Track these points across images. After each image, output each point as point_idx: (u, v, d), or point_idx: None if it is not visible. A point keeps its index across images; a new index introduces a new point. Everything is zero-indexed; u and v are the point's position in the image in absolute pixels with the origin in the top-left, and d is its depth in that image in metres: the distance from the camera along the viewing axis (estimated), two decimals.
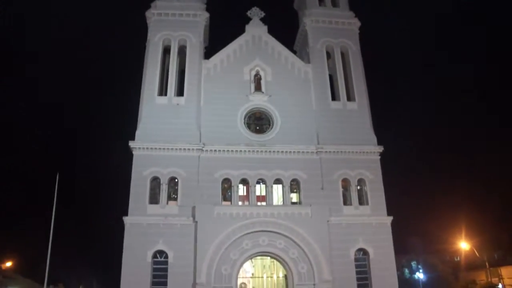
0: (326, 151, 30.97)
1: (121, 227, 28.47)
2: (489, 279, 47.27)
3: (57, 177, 29.96)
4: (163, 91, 32.98)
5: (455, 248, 45.23)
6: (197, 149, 30.05)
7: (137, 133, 30.57)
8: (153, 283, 27.54)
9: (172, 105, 31.81)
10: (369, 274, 29.15)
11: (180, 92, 32.75)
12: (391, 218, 30.34)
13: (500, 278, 48.30)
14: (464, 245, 42.99)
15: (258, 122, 32.34)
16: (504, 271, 49.38)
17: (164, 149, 29.94)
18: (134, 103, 32.36)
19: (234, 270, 27.47)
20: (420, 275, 45.90)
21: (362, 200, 30.95)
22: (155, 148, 29.93)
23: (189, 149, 30.01)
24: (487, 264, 45.87)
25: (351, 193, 30.75)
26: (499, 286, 46.82)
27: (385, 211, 30.62)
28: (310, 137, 31.40)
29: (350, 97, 33.82)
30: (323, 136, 31.47)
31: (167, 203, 29.37)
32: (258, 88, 32.67)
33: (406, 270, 52.11)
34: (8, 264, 46.50)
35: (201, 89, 32.48)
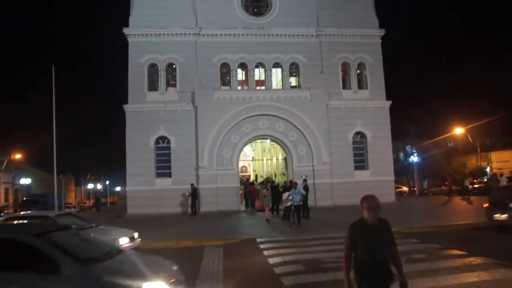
0: (326, 34, 30.04)
1: (122, 115, 28.82)
2: (479, 163, 49.28)
3: (53, 69, 29.53)
4: None
5: (450, 134, 46.37)
6: (193, 33, 29.11)
7: (131, 19, 29.42)
8: (158, 168, 28.57)
9: None
10: (366, 157, 30.14)
11: None
12: (389, 102, 30.53)
13: (489, 162, 50.31)
14: (458, 130, 43.96)
15: (256, 4, 30.75)
16: (494, 155, 51.31)
17: (159, 34, 29.05)
18: None
19: (235, 153, 28.31)
20: (414, 159, 47.58)
21: (361, 84, 30.86)
22: (151, 34, 29.03)
23: (185, 33, 29.08)
24: (478, 148, 47.47)
25: (350, 77, 30.52)
26: (486, 169, 48.96)
27: (384, 96, 30.73)
28: (310, 19, 30.12)
29: None
30: (323, 18, 30.22)
31: (166, 89, 29.33)
32: None
33: (401, 154, 53.81)
34: (18, 156, 47.90)
35: None
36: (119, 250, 6.53)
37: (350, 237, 4.28)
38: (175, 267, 6.32)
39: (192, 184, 25.80)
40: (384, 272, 4.18)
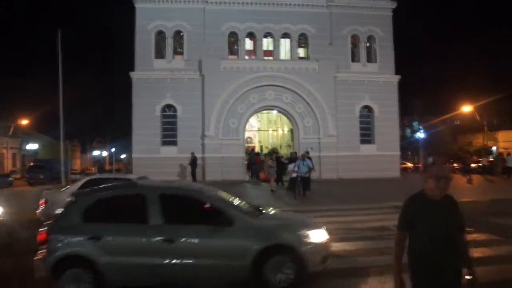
0: (336, 5, 29.43)
1: (129, 82, 28.65)
2: (485, 142, 48.92)
3: (59, 34, 29.18)
4: None
5: (457, 112, 45.91)
6: (202, 1, 28.57)
7: None
8: (163, 136, 28.64)
9: None
10: (372, 131, 30.03)
11: None
12: (398, 77, 30.21)
13: (496, 141, 49.98)
14: (466, 108, 43.43)
15: None
16: (501, 135, 50.91)
17: (167, 1, 28.55)
18: None
19: (241, 123, 28.29)
20: (420, 135, 47.20)
21: (370, 58, 30.47)
22: (158, 1, 28.55)
23: (193, 1, 28.53)
24: (485, 127, 47.01)
25: (359, 49, 30.10)
26: (492, 148, 48.64)
27: (393, 70, 30.38)
28: None
29: None
30: None
31: (173, 57, 29.10)
32: None
33: (408, 130, 53.59)
34: (25, 121, 47.93)
35: None
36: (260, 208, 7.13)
37: (405, 215, 3.28)
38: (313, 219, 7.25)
39: (192, 153, 25.71)
40: (450, 268, 3.16)
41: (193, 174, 25.24)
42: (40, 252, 5.67)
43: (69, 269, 5.56)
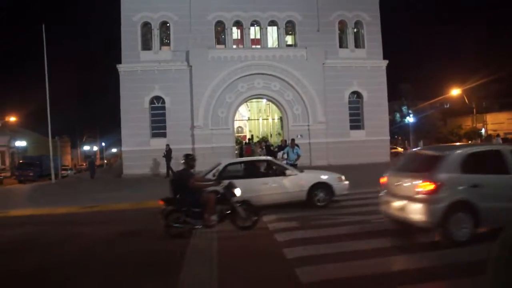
0: None
1: (117, 75, 28.38)
2: (474, 124, 49.36)
3: (43, 28, 28.85)
4: None
5: (446, 95, 46.18)
6: None
7: None
8: (153, 128, 28.46)
9: None
10: (362, 116, 30.06)
11: None
12: (386, 61, 30.16)
13: (485, 124, 50.44)
14: (455, 91, 43.72)
15: None
16: (489, 117, 51.42)
17: None
18: None
19: (230, 112, 28.15)
20: (410, 119, 47.40)
21: (358, 43, 30.36)
22: None
23: None
24: (474, 110, 47.44)
25: (347, 35, 29.97)
26: (481, 131, 49.09)
27: (381, 55, 30.32)
28: None
29: None
30: None
31: (160, 48, 28.81)
32: None
33: (397, 115, 53.72)
34: (13, 118, 47.35)
35: None
36: None
37: None
38: None
39: (167, 145, 25.11)
40: None
41: (168, 166, 24.49)
42: (426, 199, 6.75)
43: (455, 213, 6.68)
